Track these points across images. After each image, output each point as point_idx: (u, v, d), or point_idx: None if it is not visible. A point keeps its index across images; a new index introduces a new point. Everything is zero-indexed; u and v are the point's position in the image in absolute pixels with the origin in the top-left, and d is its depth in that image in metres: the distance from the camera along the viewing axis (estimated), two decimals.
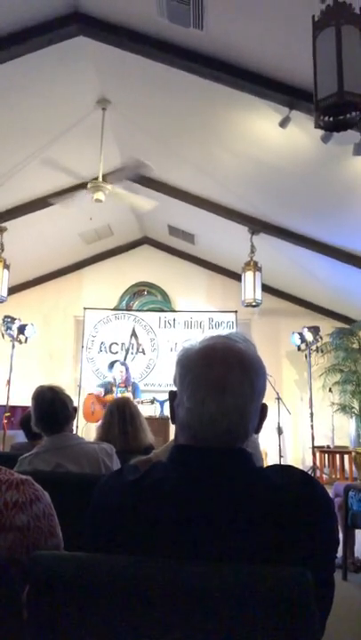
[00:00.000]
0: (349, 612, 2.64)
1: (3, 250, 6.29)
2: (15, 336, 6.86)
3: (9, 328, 6.83)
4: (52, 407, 2.07)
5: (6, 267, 6.28)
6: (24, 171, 5.23)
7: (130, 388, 6.01)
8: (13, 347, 6.80)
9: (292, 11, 3.05)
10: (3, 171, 5.18)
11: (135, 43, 3.76)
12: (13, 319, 6.88)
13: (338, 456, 7.09)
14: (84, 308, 7.85)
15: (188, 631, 0.70)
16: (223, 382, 0.83)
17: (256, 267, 6.31)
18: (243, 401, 0.83)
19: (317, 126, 2.57)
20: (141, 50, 3.80)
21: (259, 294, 6.32)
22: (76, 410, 2.19)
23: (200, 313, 7.97)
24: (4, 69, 3.81)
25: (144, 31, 3.69)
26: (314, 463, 6.78)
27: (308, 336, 7.05)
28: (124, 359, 7.30)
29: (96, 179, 4.81)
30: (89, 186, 4.76)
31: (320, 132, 3.53)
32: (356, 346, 7.36)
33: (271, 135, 4.32)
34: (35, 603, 0.74)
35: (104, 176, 4.81)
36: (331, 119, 2.51)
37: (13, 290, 7.91)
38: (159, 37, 3.69)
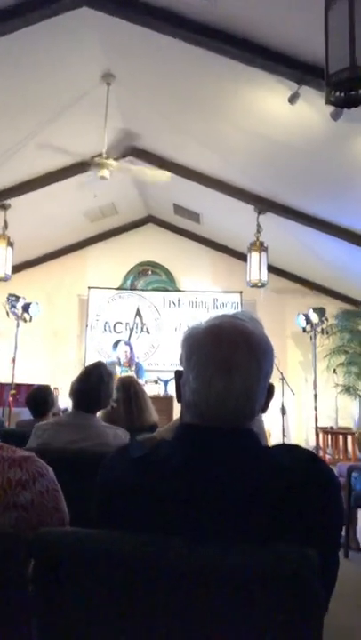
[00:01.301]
0: (352, 590, 2.67)
1: (7, 227, 6.25)
2: (20, 314, 6.87)
3: (13, 306, 6.82)
4: (94, 388, 2.08)
5: (10, 244, 6.25)
6: (26, 148, 5.17)
7: (133, 368, 6.02)
8: (18, 325, 6.81)
9: None
10: (5, 147, 5.11)
11: (141, 14, 3.66)
12: (18, 297, 6.87)
13: (341, 437, 7.12)
14: (89, 288, 7.83)
15: (193, 609, 0.70)
16: (230, 362, 0.82)
17: (262, 247, 6.25)
18: (250, 381, 0.82)
19: (328, 102, 2.51)
20: (148, 22, 3.70)
21: (264, 275, 6.27)
22: (109, 402, 2.19)
23: (205, 293, 7.94)
24: (4, 43, 3.72)
25: (150, 2, 3.59)
26: (317, 444, 6.82)
27: (314, 317, 7.02)
28: (129, 339, 7.31)
29: (100, 155, 4.75)
30: (93, 163, 4.70)
31: (330, 109, 3.45)
32: None
33: (279, 112, 4.23)
34: (40, 579, 0.75)
35: (108, 152, 4.74)
36: (342, 95, 2.44)
37: (17, 268, 7.88)
38: (166, 8, 3.59)
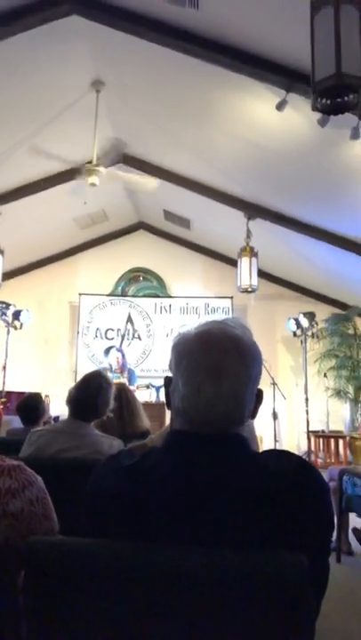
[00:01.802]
0: (343, 594, 2.68)
1: None
2: (10, 322, 6.84)
3: (4, 314, 6.80)
4: (91, 397, 2.07)
5: (0, 252, 6.23)
6: (16, 154, 5.16)
7: (125, 374, 6.01)
8: (8, 332, 6.78)
9: None
10: None
11: (130, 22, 3.68)
12: (8, 305, 6.85)
13: (332, 441, 7.15)
14: (80, 294, 7.82)
15: (185, 616, 0.70)
16: (219, 368, 0.82)
17: (252, 252, 6.28)
18: (239, 386, 0.83)
19: (315, 109, 2.53)
20: (136, 30, 3.73)
21: (255, 280, 6.30)
22: (106, 411, 2.18)
23: (196, 299, 7.95)
24: None
25: (139, 10, 3.62)
26: (309, 448, 6.83)
27: (304, 322, 7.06)
28: (120, 345, 7.30)
29: (90, 162, 4.75)
30: (83, 170, 4.71)
31: (317, 116, 3.47)
32: (351, 331, 7.38)
33: (268, 118, 4.27)
34: (30, 588, 0.74)
35: (98, 160, 4.75)
36: (328, 102, 2.47)
37: (8, 275, 7.85)
38: (154, 17, 3.62)
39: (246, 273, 6.26)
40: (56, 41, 3.98)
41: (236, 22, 3.45)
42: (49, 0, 3.59)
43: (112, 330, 7.82)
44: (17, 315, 6.91)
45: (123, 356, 6.13)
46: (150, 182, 5.06)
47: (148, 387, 6.46)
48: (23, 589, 0.74)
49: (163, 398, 5.76)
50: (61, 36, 3.93)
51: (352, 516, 3.52)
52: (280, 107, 3.81)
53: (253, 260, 6.27)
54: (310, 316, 7.05)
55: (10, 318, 6.83)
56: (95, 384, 2.11)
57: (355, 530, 3.36)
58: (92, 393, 2.09)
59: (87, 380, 2.16)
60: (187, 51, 3.73)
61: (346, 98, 2.44)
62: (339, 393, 7.27)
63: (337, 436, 7.16)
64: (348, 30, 2.41)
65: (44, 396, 3.42)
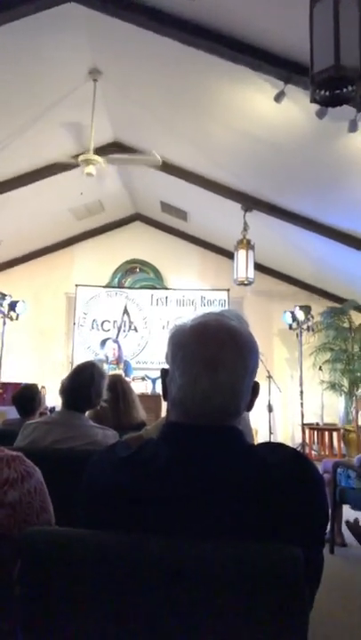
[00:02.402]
0: (336, 586, 2.70)
1: None
2: (6, 313, 6.83)
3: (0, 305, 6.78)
4: (84, 387, 2.07)
5: None
6: (12, 145, 5.12)
7: (121, 366, 6.01)
8: (4, 323, 6.77)
9: None
10: None
11: (128, 11, 3.65)
12: (4, 295, 6.84)
13: (327, 433, 7.19)
14: (76, 285, 7.80)
15: (180, 608, 0.71)
16: (216, 359, 0.82)
17: (249, 245, 6.28)
18: (235, 378, 0.83)
19: (313, 100, 2.52)
20: (135, 19, 3.69)
21: (251, 273, 6.30)
22: (99, 402, 2.18)
23: (192, 291, 7.95)
24: None
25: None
26: (303, 440, 6.87)
27: (300, 315, 7.08)
28: (116, 337, 7.30)
29: (87, 152, 4.72)
30: (80, 159, 4.68)
31: (315, 108, 3.46)
32: (346, 325, 7.40)
33: (266, 110, 4.25)
34: (26, 579, 0.74)
35: (95, 149, 4.72)
36: (326, 93, 2.46)
37: (3, 266, 7.85)
38: (153, 6, 3.58)
39: (243, 265, 6.26)
40: (53, 29, 3.94)
41: (236, 13, 3.42)
42: None
43: (108, 321, 7.81)
44: (13, 306, 6.90)
45: (119, 347, 6.12)
46: (152, 157, 4.94)
47: (143, 378, 6.47)
48: (19, 580, 0.75)
49: (159, 390, 5.77)
50: (59, 24, 3.89)
51: (346, 508, 3.54)
52: (278, 98, 3.79)
53: (250, 252, 6.27)
54: (306, 309, 7.07)
55: (6, 309, 6.82)
56: (87, 374, 2.11)
57: (348, 523, 3.39)
58: (84, 383, 2.08)
59: (79, 370, 2.15)
60: (185, 41, 3.70)
61: (344, 90, 2.44)
62: (333, 386, 7.31)
63: (331, 428, 7.21)
64: (347, 22, 2.40)
65: (40, 387, 3.41)
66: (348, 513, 3.55)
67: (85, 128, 4.82)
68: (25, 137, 4.99)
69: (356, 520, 3.41)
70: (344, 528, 3.52)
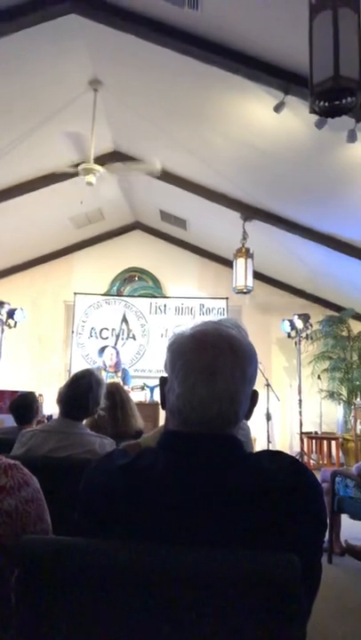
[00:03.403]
0: (335, 595, 2.68)
1: None
2: (4, 320, 6.82)
3: None
4: (82, 395, 2.06)
5: None
6: (13, 153, 5.15)
7: (119, 374, 6.00)
8: (2, 331, 6.76)
9: None
10: None
11: (129, 22, 3.68)
12: (2, 303, 6.83)
13: (325, 442, 7.17)
14: (75, 293, 7.80)
15: (177, 616, 0.70)
16: (214, 367, 0.82)
17: (248, 253, 6.30)
18: (234, 386, 0.83)
19: (312, 111, 2.54)
20: (135, 30, 3.73)
21: (250, 281, 6.31)
22: (96, 410, 2.18)
23: (191, 299, 7.96)
24: None
25: (138, 10, 3.62)
26: (301, 449, 6.85)
27: (299, 323, 7.09)
28: (115, 345, 7.30)
29: (87, 161, 4.75)
30: (80, 169, 4.70)
31: (314, 118, 3.49)
32: (345, 333, 7.41)
33: (265, 120, 4.28)
34: (23, 587, 0.74)
35: (95, 159, 4.74)
36: (326, 104, 2.48)
37: (2, 274, 7.85)
38: (153, 17, 3.62)
39: (242, 274, 6.28)
40: (55, 39, 3.98)
41: (236, 24, 3.46)
42: None
43: (107, 329, 7.81)
44: (11, 313, 6.90)
45: (117, 354, 6.12)
46: (152, 165, 4.95)
47: (143, 388, 6.46)
48: (16, 588, 0.74)
49: (157, 398, 5.74)
50: (60, 35, 3.93)
51: (344, 518, 3.53)
52: (278, 109, 3.82)
53: (249, 261, 6.28)
54: (305, 317, 7.08)
55: (4, 317, 6.82)
56: (85, 382, 2.10)
57: (347, 542, 3.41)
58: (82, 391, 2.08)
59: (77, 378, 2.14)
60: (185, 51, 3.73)
61: (343, 100, 2.45)
62: (332, 395, 7.30)
63: (330, 437, 7.19)
64: (347, 33, 2.42)
65: (37, 395, 3.40)
66: (346, 522, 3.54)
67: (86, 137, 4.85)
68: (25, 146, 5.02)
69: (345, 541, 3.43)
70: (342, 538, 3.50)
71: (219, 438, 0.83)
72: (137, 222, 8.27)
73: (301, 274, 7.49)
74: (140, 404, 4.61)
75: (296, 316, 7.11)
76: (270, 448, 6.68)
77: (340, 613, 2.48)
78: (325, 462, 6.96)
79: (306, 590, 0.73)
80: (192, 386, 0.82)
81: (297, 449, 7.01)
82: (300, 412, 6.89)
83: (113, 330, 7.80)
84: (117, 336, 7.76)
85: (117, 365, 6.03)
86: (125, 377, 6.02)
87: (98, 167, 4.68)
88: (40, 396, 3.97)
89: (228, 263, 7.02)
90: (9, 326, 6.92)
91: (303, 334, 7.21)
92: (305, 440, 7.03)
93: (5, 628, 0.81)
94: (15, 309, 6.94)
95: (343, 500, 3.41)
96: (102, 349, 6.51)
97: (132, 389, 5.99)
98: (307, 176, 5.05)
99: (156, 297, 8.12)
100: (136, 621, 0.71)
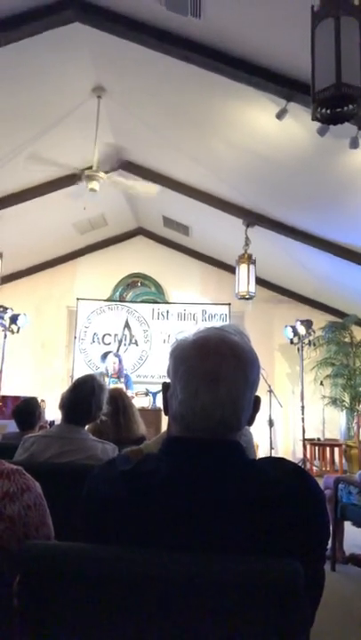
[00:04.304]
0: (338, 603, 2.67)
1: None
2: (7, 326, 6.83)
3: (1, 317, 6.79)
4: (84, 401, 2.06)
5: None
6: (17, 159, 5.18)
7: (122, 380, 6.00)
8: (5, 337, 6.77)
9: (291, 1, 3.02)
10: None
11: (132, 30, 3.71)
12: (5, 309, 6.85)
13: (328, 449, 7.15)
14: (77, 299, 7.82)
15: (180, 621, 0.70)
16: (217, 373, 0.83)
17: (250, 259, 6.30)
18: (236, 392, 0.83)
19: (314, 118, 2.55)
20: (138, 38, 3.76)
21: (253, 287, 6.32)
22: (99, 415, 2.18)
23: (194, 305, 7.96)
24: None
25: (141, 19, 3.64)
26: (304, 455, 6.83)
27: (301, 329, 7.08)
28: (117, 350, 7.30)
29: (90, 168, 4.77)
30: (83, 175, 4.72)
31: (317, 125, 3.51)
32: (348, 340, 7.40)
33: (268, 127, 4.30)
34: (25, 592, 0.74)
35: (98, 165, 4.77)
36: (328, 111, 2.49)
37: (6, 279, 7.85)
38: (156, 25, 3.65)
39: (244, 280, 6.28)
40: (58, 47, 4.01)
41: (238, 32, 3.48)
42: (52, 7, 3.62)
43: (109, 335, 7.81)
44: (14, 319, 6.91)
45: (120, 361, 6.12)
46: (150, 187, 5.06)
47: (146, 394, 6.45)
48: (18, 593, 0.74)
49: (159, 404, 5.74)
50: (64, 43, 3.96)
51: (347, 525, 3.51)
52: (280, 116, 3.84)
53: (251, 267, 6.29)
54: (307, 323, 7.07)
55: (7, 322, 6.83)
56: (87, 387, 2.10)
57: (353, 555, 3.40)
58: (84, 396, 2.08)
59: (79, 384, 2.14)
60: (188, 59, 3.76)
61: (345, 108, 2.46)
62: (335, 401, 7.28)
63: (333, 444, 7.16)
64: (349, 41, 2.44)
65: (40, 401, 3.41)
66: (349, 529, 3.52)
67: (89, 144, 4.87)
68: (29, 152, 5.04)
69: (351, 554, 3.41)
70: (346, 545, 3.48)
71: (221, 444, 0.83)
72: (140, 228, 8.29)
73: (304, 280, 7.49)
74: (143, 410, 4.61)
75: (299, 323, 7.10)
76: (273, 454, 6.65)
77: (343, 621, 2.46)
78: (328, 469, 6.93)
79: (309, 598, 0.73)
80: (195, 392, 0.82)
81: (300, 455, 6.98)
82: (303, 419, 6.87)
83: (115, 335, 7.80)
84: (120, 342, 7.76)
85: (120, 372, 6.03)
86: (127, 383, 6.01)
87: (101, 174, 4.70)
88: (42, 401, 3.97)
89: (230, 269, 7.03)
90: (12, 332, 6.93)
91: (306, 340, 7.20)
92: (308, 446, 7.00)
93: (8, 633, 0.81)
94: (18, 315, 6.95)
95: (346, 507, 3.40)
96: (105, 355, 6.51)
97: (137, 394, 5.98)
98: (309, 183, 5.06)
99: (158, 303, 8.13)
100: (138, 627, 0.71)
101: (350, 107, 2.45)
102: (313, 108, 2.50)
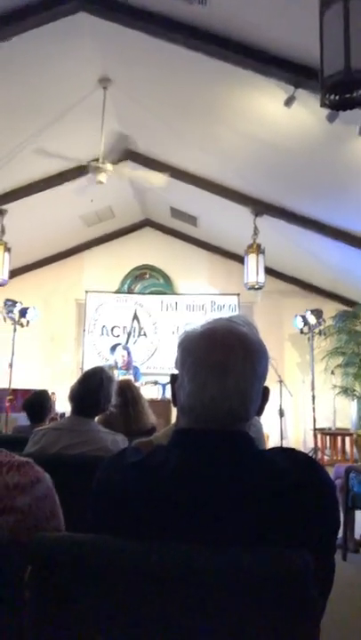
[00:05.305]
0: (349, 592, 2.67)
1: (4, 233, 6.25)
2: (17, 319, 6.87)
3: (10, 311, 6.82)
4: (93, 393, 2.07)
5: (7, 250, 6.25)
6: (23, 152, 5.17)
7: (131, 371, 6.02)
8: (15, 330, 6.80)
9: None
10: (1, 153, 5.12)
11: (137, 19, 3.68)
12: (15, 302, 6.88)
13: (339, 438, 7.14)
14: (86, 292, 7.83)
15: (189, 613, 0.70)
16: (225, 364, 0.82)
17: (259, 249, 6.26)
18: (244, 383, 0.83)
19: (323, 105, 2.51)
20: (143, 27, 3.72)
21: (262, 277, 6.28)
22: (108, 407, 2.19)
23: (202, 296, 7.95)
24: (1, 48, 3.73)
25: (146, 7, 3.61)
26: (315, 445, 6.82)
27: (311, 319, 7.04)
28: (126, 342, 7.31)
29: (97, 160, 4.76)
30: (90, 167, 4.71)
31: (325, 112, 3.46)
32: (359, 328, 7.35)
33: (276, 115, 4.25)
34: (36, 584, 0.74)
35: (105, 157, 4.75)
36: (337, 97, 2.45)
37: (14, 273, 7.87)
38: (162, 13, 3.61)
39: (253, 270, 6.25)
40: (64, 38, 3.98)
41: (245, 18, 3.43)
42: None
43: (118, 327, 7.83)
44: (23, 312, 6.94)
45: (129, 353, 6.13)
46: (158, 177, 5.03)
47: (155, 383, 6.47)
48: (29, 585, 0.75)
49: (168, 395, 5.75)
50: (69, 33, 3.93)
51: (358, 514, 3.51)
52: (288, 103, 3.79)
53: (260, 256, 6.25)
54: (317, 313, 7.03)
55: (16, 316, 6.86)
56: (96, 379, 2.11)
57: None
58: (93, 388, 2.09)
59: (88, 375, 2.16)
60: (195, 47, 3.72)
61: (355, 93, 2.42)
62: (346, 391, 7.25)
63: (344, 433, 7.15)
64: (357, 26, 2.39)
65: (50, 394, 3.43)
66: (360, 518, 3.52)
67: (95, 136, 4.85)
68: (35, 145, 5.03)
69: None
70: (357, 533, 3.48)
71: (229, 435, 0.83)
72: (147, 220, 8.27)
73: (314, 269, 7.44)
74: (153, 401, 4.61)
75: (309, 312, 7.06)
76: (284, 444, 6.65)
77: (354, 611, 2.47)
78: (339, 458, 6.92)
79: (319, 587, 0.73)
80: (203, 384, 0.82)
81: (310, 445, 6.98)
82: (314, 408, 6.85)
83: (124, 328, 7.82)
84: (129, 334, 7.77)
85: (129, 364, 6.04)
86: (136, 375, 6.03)
87: (108, 166, 4.69)
88: (53, 394, 3.99)
89: (239, 259, 6.99)
90: (21, 325, 6.96)
91: (316, 330, 7.16)
92: (319, 436, 6.99)
93: (19, 624, 0.82)
94: (27, 308, 6.98)
95: (357, 496, 3.39)
96: (114, 347, 6.52)
97: (145, 384, 6.00)
98: (318, 170, 5.01)
99: (166, 294, 8.12)
100: (149, 617, 0.71)
101: (359, 92, 2.41)
102: (322, 94, 2.47)
